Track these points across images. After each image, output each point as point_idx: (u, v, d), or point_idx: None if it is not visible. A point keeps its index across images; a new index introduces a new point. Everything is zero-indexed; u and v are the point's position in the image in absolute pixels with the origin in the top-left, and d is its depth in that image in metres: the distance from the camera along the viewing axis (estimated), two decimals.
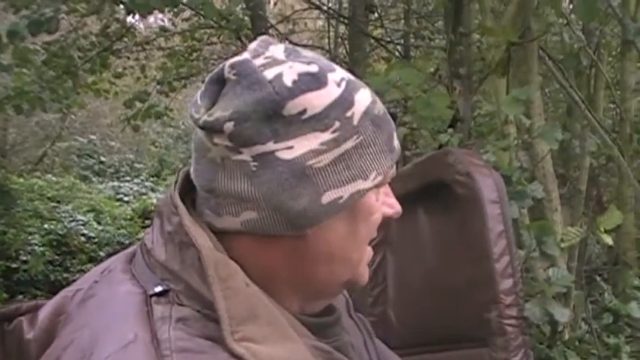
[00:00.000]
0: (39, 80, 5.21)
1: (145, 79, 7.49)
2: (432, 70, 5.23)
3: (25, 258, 8.40)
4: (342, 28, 6.79)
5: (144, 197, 11.45)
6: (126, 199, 11.57)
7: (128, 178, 12.88)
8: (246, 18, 6.10)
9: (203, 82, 0.83)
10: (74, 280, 0.92)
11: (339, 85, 0.80)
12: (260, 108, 0.76)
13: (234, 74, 0.78)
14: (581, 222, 3.83)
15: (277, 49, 0.81)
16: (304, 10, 7.56)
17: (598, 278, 4.39)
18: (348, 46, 6.55)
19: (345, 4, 6.85)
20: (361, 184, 0.80)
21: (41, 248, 8.62)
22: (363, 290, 1.36)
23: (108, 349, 0.71)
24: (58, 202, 9.85)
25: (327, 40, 7.07)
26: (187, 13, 6.73)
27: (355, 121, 0.80)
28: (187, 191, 0.84)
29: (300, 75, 0.78)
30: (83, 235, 9.28)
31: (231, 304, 0.73)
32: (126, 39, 6.70)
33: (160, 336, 0.71)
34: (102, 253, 9.00)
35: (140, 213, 10.48)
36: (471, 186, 1.40)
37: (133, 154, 14.47)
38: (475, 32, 3.45)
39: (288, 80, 0.77)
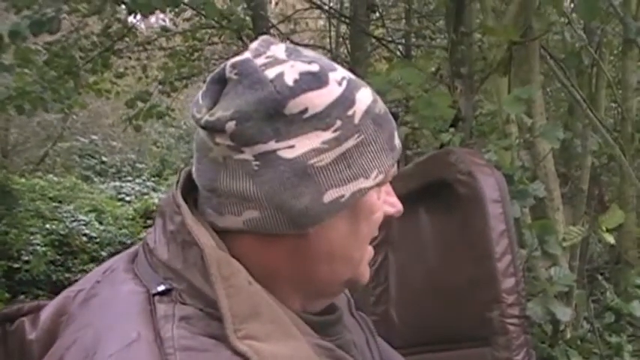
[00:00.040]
0: (40, 80, 5.22)
1: (147, 79, 7.49)
2: (433, 69, 5.23)
3: (26, 258, 8.41)
4: (343, 28, 6.79)
5: (145, 197, 11.46)
6: (127, 199, 11.58)
7: (130, 178, 12.89)
8: (247, 18, 6.10)
9: (204, 82, 0.83)
10: (76, 280, 0.92)
11: (340, 84, 0.80)
12: (261, 107, 0.76)
13: (235, 74, 0.78)
14: (582, 221, 3.83)
15: (278, 49, 0.81)
16: (305, 9, 7.56)
17: (600, 277, 4.39)
18: (349, 46, 6.55)
19: (347, 4, 6.85)
20: (362, 183, 0.81)
21: (43, 248, 8.62)
22: (365, 289, 1.36)
23: (111, 347, 0.71)
24: (60, 202, 9.86)
25: (328, 40, 7.07)
26: (188, 13, 6.74)
27: (356, 120, 0.80)
28: (189, 191, 0.85)
29: (301, 74, 0.78)
30: (85, 235, 9.29)
31: (233, 302, 0.73)
32: (127, 39, 6.69)
33: (164, 334, 0.72)
34: (104, 253, 9.00)
35: (142, 213, 10.49)
36: (472, 185, 1.40)
37: (135, 154, 14.49)
38: (476, 31, 3.45)
39: (289, 79, 0.77)
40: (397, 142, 0.86)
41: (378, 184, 0.84)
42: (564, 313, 2.26)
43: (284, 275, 0.83)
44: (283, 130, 0.76)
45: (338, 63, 0.87)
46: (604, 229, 2.39)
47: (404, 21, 7.25)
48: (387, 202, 0.88)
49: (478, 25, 3.41)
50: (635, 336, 3.16)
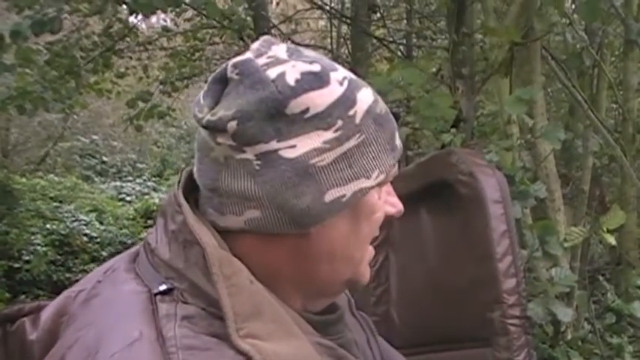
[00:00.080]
0: (42, 80, 5.22)
1: (148, 79, 7.49)
2: (434, 70, 5.23)
3: (27, 258, 8.41)
4: (344, 28, 6.80)
5: (146, 197, 11.46)
6: (128, 199, 11.58)
7: (130, 178, 12.89)
8: (248, 18, 6.10)
9: (205, 82, 0.83)
10: (76, 280, 0.92)
11: (341, 84, 0.80)
12: (263, 107, 0.76)
13: (237, 74, 0.78)
14: (583, 222, 3.84)
15: (280, 49, 0.82)
16: (307, 10, 7.56)
17: (601, 278, 4.39)
18: (350, 46, 6.56)
19: (348, 4, 6.85)
20: (364, 183, 0.81)
21: (43, 248, 8.62)
22: (365, 290, 1.37)
23: (114, 347, 0.71)
24: (61, 202, 9.86)
25: (329, 40, 7.08)
26: (190, 13, 6.74)
27: (357, 120, 0.80)
28: (191, 191, 0.85)
29: (302, 74, 0.78)
30: (85, 235, 9.28)
31: (235, 301, 0.73)
32: (128, 39, 6.68)
33: (166, 334, 0.72)
34: (104, 253, 9.00)
35: (142, 213, 10.49)
36: (473, 186, 1.40)
37: (136, 154, 14.49)
38: (478, 32, 3.45)
39: (290, 79, 0.77)
40: (398, 142, 0.86)
41: (379, 184, 0.84)
42: (565, 314, 2.26)
43: (285, 275, 0.83)
44: (285, 130, 0.77)
45: (339, 63, 0.87)
46: (605, 229, 2.39)
47: (405, 21, 7.25)
48: (388, 202, 0.89)
49: (479, 25, 3.41)
50: (635, 337, 3.16)
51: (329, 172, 0.78)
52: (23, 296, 7.96)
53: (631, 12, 3.42)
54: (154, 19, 9.43)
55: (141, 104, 6.38)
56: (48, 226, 9.01)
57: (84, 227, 9.37)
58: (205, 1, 4.55)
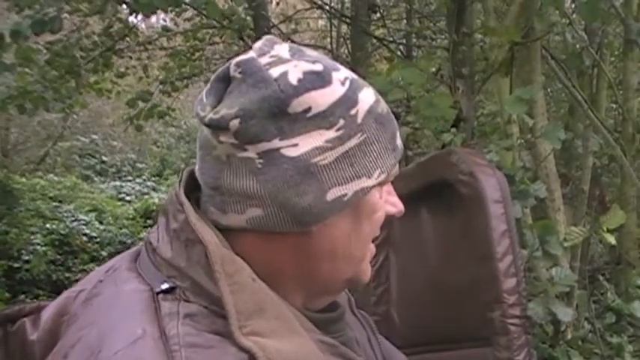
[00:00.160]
0: (42, 80, 5.21)
1: (148, 78, 7.48)
2: (434, 70, 5.23)
3: (27, 257, 8.41)
4: (344, 28, 6.79)
5: (146, 197, 11.46)
6: (128, 198, 11.58)
7: (130, 178, 12.89)
8: (248, 18, 6.10)
9: (205, 81, 0.84)
10: (76, 280, 0.92)
11: (343, 83, 0.80)
12: (265, 106, 0.76)
13: (239, 72, 0.79)
14: (583, 221, 3.84)
15: (282, 48, 0.82)
16: (306, 9, 7.56)
17: (601, 278, 4.39)
18: (350, 46, 6.56)
19: (348, 4, 6.85)
20: (365, 182, 0.81)
21: (43, 248, 8.62)
22: (366, 289, 1.37)
23: (116, 345, 0.71)
24: (60, 201, 9.86)
25: (329, 40, 7.07)
26: (189, 13, 6.73)
27: (359, 120, 0.81)
28: (192, 190, 0.85)
29: (305, 73, 0.78)
30: (85, 234, 9.28)
31: (238, 299, 0.73)
32: (128, 39, 6.68)
33: (169, 332, 0.72)
34: (104, 253, 9.01)
35: (142, 213, 10.49)
36: (474, 185, 1.40)
37: (135, 154, 14.49)
38: (478, 32, 3.45)
39: (293, 78, 0.78)
40: (399, 141, 0.87)
41: (380, 184, 0.84)
42: (565, 314, 2.26)
43: (287, 273, 0.83)
44: (287, 129, 0.77)
45: (339, 63, 0.87)
46: (605, 229, 2.39)
47: (405, 21, 7.25)
48: (389, 202, 0.89)
49: (479, 25, 3.41)
50: (635, 336, 3.16)
51: (331, 171, 0.78)
52: (23, 296, 7.96)
53: (631, 12, 3.42)
54: (153, 18, 9.43)
55: (141, 104, 6.38)
56: (48, 225, 9.01)
57: (83, 227, 9.37)
58: (205, 1, 4.54)
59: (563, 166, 4.34)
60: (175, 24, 7.47)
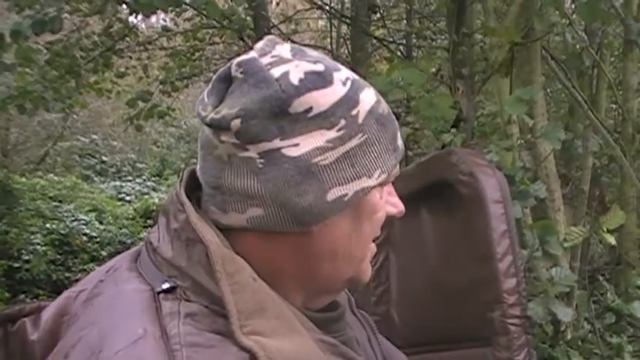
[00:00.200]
0: (42, 80, 5.21)
1: (148, 78, 7.48)
2: (434, 70, 5.23)
3: (27, 257, 8.41)
4: (344, 28, 6.79)
5: (145, 197, 11.46)
6: (128, 198, 11.58)
7: (130, 178, 12.89)
8: (248, 18, 6.10)
9: (205, 82, 0.84)
10: (76, 280, 0.92)
11: (344, 84, 0.81)
12: (267, 105, 0.77)
13: (241, 72, 0.79)
14: (583, 222, 3.84)
15: (284, 49, 0.82)
16: (306, 10, 7.56)
17: (600, 278, 4.39)
18: (350, 46, 6.56)
19: (348, 5, 6.85)
20: (365, 182, 0.81)
21: (43, 248, 8.62)
22: (366, 289, 1.37)
23: (117, 345, 0.71)
24: (60, 201, 9.86)
25: (329, 40, 7.07)
26: (189, 13, 6.73)
27: (360, 120, 0.81)
28: (193, 190, 0.85)
29: (306, 74, 0.78)
30: (85, 234, 9.28)
31: (239, 298, 0.73)
32: (128, 39, 6.68)
33: (170, 331, 0.72)
34: (104, 253, 9.01)
35: (142, 212, 10.49)
36: (474, 186, 1.40)
37: (135, 154, 14.49)
38: (478, 32, 3.45)
39: (294, 78, 0.78)
40: (400, 142, 0.87)
41: (381, 184, 0.84)
42: (565, 314, 2.26)
43: (287, 272, 0.83)
44: (288, 129, 0.77)
45: (339, 63, 0.87)
46: (605, 229, 2.39)
47: (405, 21, 7.25)
48: (390, 203, 0.89)
49: (479, 25, 3.41)
50: (635, 336, 3.16)
51: (331, 171, 0.78)
52: (23, 296, 7.96)
53: (631, 12, 3.42)
54: (153, 18, 9.43)
55: (141, 104, 6.38)
56: (48, 225, 9.01)
57: (83, 227, 9.37)
58: (205, 1, 4.54)
59: (563, 166, 4.34)
60: (175, 24, 7.47)
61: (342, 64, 0.85)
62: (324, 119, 0.78)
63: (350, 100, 0.80)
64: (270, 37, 0.85)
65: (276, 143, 0.77)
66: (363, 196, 0.82)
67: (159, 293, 0.77)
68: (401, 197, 0.91)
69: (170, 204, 0.84)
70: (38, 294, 7.98)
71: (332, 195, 0.79)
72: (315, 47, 6.60)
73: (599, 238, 2.51)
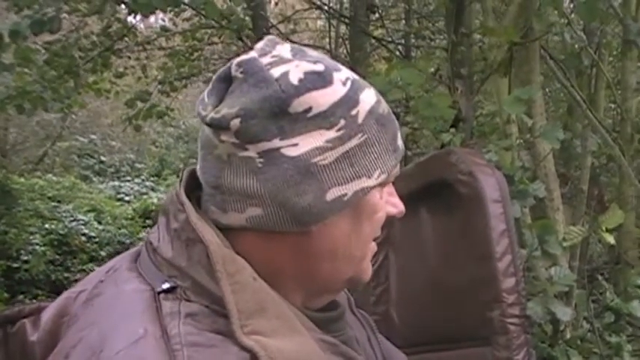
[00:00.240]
0: (40, 80, 5.21)
1: (146, 78, 7.48)
2: (433, 70, 5.23)
3: (26, 258, 8.40)
4: (343, 28, 6.79)
5: (144, 197, 11.46)
6: (126, 198, 11.58)
7: (129, 178, 12.89)
8: (247, 18, 6.10)
9: (204, 82, 0.84)
10: (75, 280, 0.92)
11: (344, 84, 0.81)
12: (266, 105, 0.77)
13: (241, 72, 0.79)
14: (582, 221, 3.84)
15: (284, 49, 0.82)
16: (305, 10, 7.56)
17: (599, 277, 4.40)
18: (348, 46, 6.56)
19: (346, 4, 6.85)
20: (365, 182, 0.81)
21: (42, 248, 8.62)
22: (365, 289, 1.37)
23: (118, 345, 0.71)
24: (59, 201, 9.85)
25: (327, 40, 7.07)
26: (188, 13, 6.73)
27: (360, 120, 0.81)
28: (192, 189, 0.85)
29: (306, 74, 0.79)
30: (84, 234, 9.28)
31: (239, 298, 0.73)
32: (127, 39, 6.68)
33: (170, 331, 0.72)
34: (103, 253, 9.00)
35: (141, 213, 10.49)
36: (473, 185, 1.40)
37: (134, 154, 14.49)
38: (476, 32, 3.45)
39: (294, 78, 0.78)
40: (400, 142, 0.87)
41: (381, 184, 0.84)
42: (564, 313, 2.27)
43: (287, 272, 0.83)
44: (287, 129, 0.77)
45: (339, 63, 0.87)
46: (604, 229, 2.40)
47: (404, 21, 7.25)
48: (390, 203, 0.89)
49: (478, 25, 3.41)
50: (634, 336, 3.17)
51: (331, 171, 0.79)
52: (22, 296, 7.96)
53: (629, 12, 3.43)
54: (152, 18, 9.44)
55: (139, 104, 6.38)
56: (46, 225, 9.00)
57: (82, 227, 9.36)
58: (204, 1, 4.54)
59: (562, 165, 4.34)
60: (174, 24, 7.47)
61: (341, 64, 0.85)
62: (323, 119, 0.78)
63: (350, 100, 0.80)
64: (270, 37, 0.85)
65: (276, 143, 0.77)
66: (363, 196, 0.82)
67: (159, 293, 0.77)
68: (400, 197, 0.91)
69: (170, 204, 0.84)
70: (37, 294, 7.97)
71: (331, 195, 0.79)
72: (313, 47, 6.59)
73: (598, 237, 2.52)
